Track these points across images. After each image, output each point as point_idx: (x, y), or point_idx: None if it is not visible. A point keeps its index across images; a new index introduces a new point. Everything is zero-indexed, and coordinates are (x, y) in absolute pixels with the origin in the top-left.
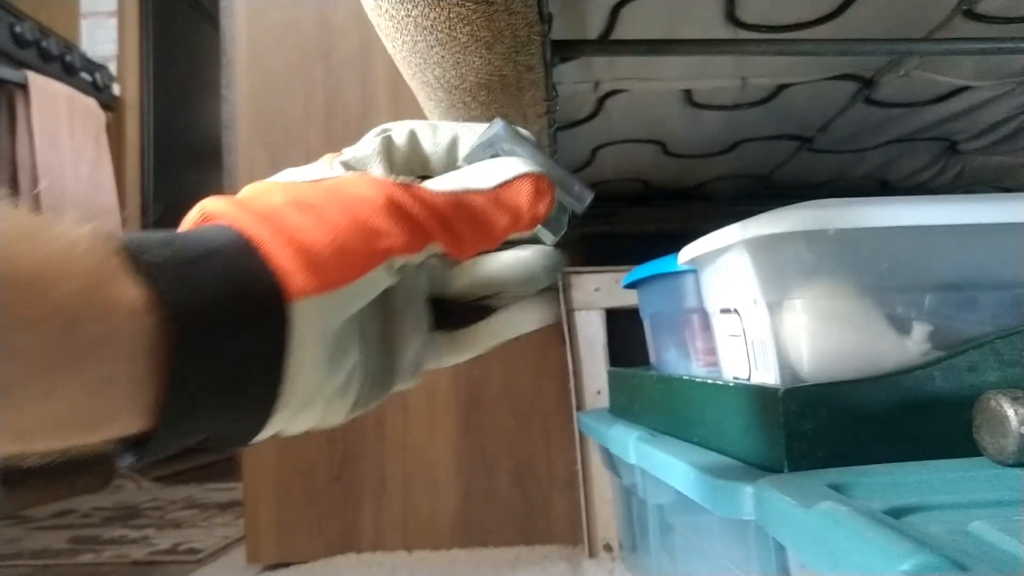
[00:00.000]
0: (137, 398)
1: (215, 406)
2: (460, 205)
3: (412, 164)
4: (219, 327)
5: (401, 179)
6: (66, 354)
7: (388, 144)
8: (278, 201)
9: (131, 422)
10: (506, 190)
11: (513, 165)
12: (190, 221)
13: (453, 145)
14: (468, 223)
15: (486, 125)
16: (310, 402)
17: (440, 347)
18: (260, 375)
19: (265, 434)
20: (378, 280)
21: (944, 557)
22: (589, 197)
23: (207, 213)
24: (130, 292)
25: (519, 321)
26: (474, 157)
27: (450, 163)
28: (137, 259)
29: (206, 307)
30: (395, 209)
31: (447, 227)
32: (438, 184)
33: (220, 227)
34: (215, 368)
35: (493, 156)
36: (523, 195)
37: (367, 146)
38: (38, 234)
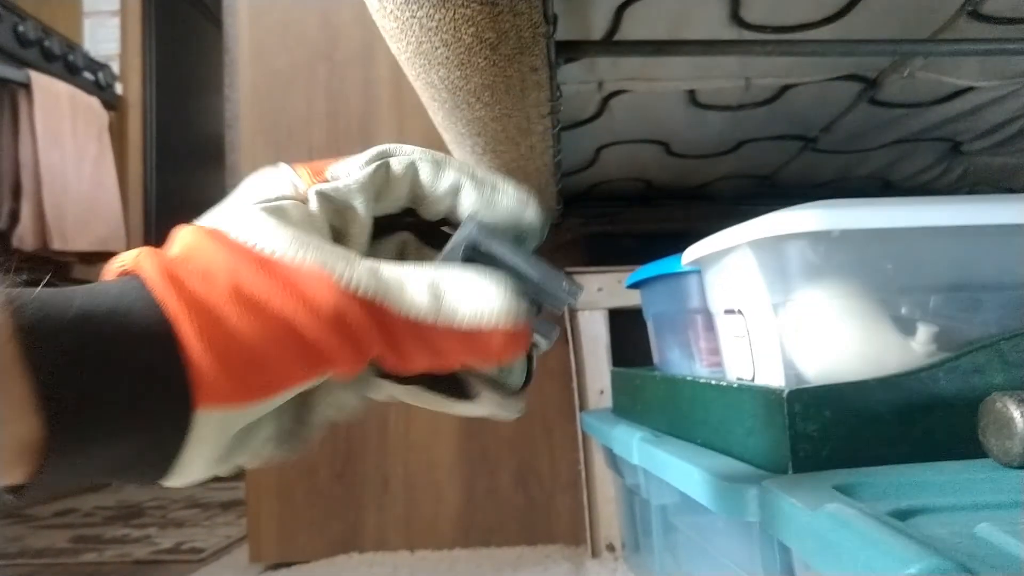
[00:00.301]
0: (16, 462)
1: (100, 474)
2: (421, 338)
3: (402, 198)
4: (113, 423)
5: (364, 291)
6: None
7: (382, 175)
8: (219, 285)
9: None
10: (477, 335)
11: (493, 304)
12: (115, 270)
13: (453, 194)
14: (424, 353)
15: (492, 180)
16: (205, 473)
17: (383, 389)
18: (148, 464)
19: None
20: (302, 389)
21: (952, 561)
22: (579, 292)
23: (137, 270)
24: (19, 387)
25: (478, 411)
26: (449, 258)
27: (445, 211)
28: (33, 349)
29: (102, 392)
30: (344, 329)
31: (399, 352)
32: (407, 288)
33: (145, 300)
34: (101, 457)
35: (468, 258)
36: (494, 343)
37: (355, 175)
38: None
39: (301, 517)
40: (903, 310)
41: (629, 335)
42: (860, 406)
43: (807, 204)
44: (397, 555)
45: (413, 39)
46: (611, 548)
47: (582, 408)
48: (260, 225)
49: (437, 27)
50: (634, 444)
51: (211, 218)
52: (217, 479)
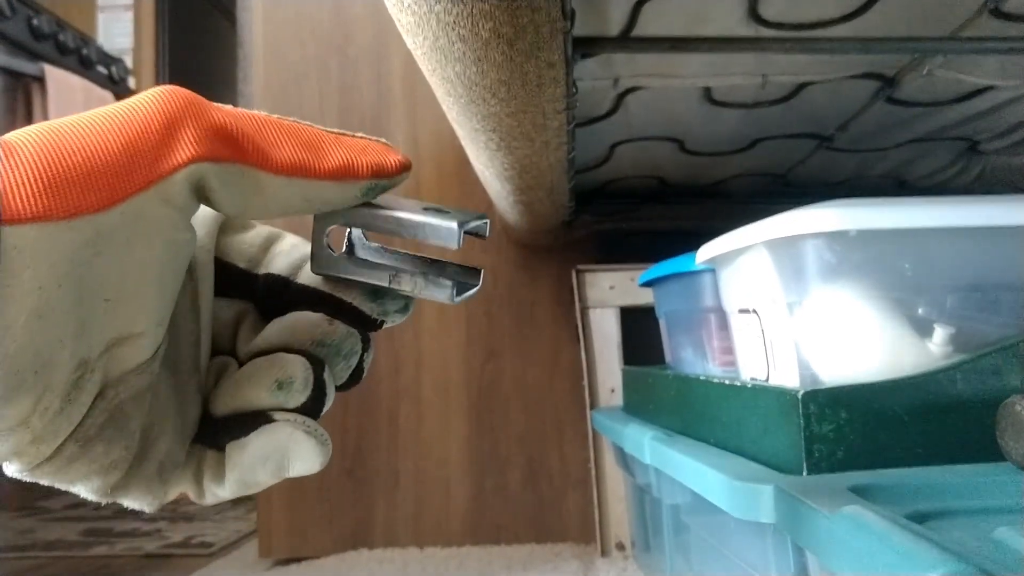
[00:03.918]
0: None
1: None
2: (284, 125)
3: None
4: None
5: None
6: None
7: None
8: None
9: None
10: (349, 137)
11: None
12: None
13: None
14: (291, 137)
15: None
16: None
17: (205, 467)
18: None
19: None
20: (148, 212)
21: (973, 565)
22: (485, 222)
23: None
24: None
25: (284, 448)
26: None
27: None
28: None
29: None
30: (180, 112)
31: (260, 135)
32: None
33: None
34: None
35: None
36: (371, 144)
37: None
38: None
39: (311, 512)
40: (920, 310)
41: (641, 333)
42: (876, 407)
43: (824, 203)
44: (406, 551)
45: (430, 34)
46: (621, 547)
47: (593, 406)
48: None
49: (455, 22)
50: (646, 443)
51: None
52: None
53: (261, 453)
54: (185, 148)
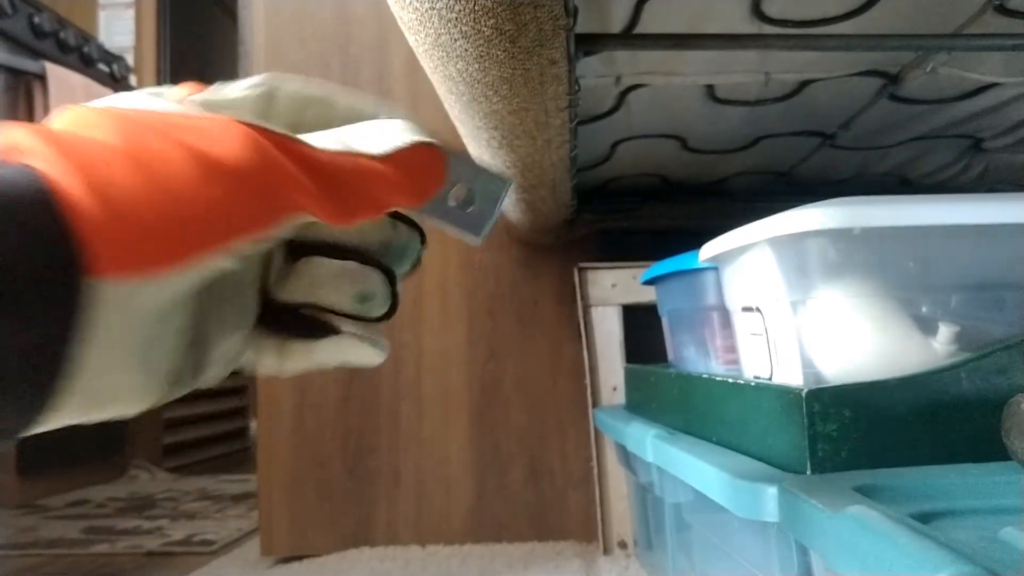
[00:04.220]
0: None
1: None
2: (345, 170)
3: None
4: None
5: (276, 128)
6: None
7: (267, 100)
8: (108, 142)
9: None
10: (397, 157)
11: (403, 128)
12: None
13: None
14: (352, 190)
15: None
16: (102, 402)
17: (264, 351)
18: (33, 366)
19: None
20: (217, 262)
21: (979, 566)
22: (509, 181)
23: (9, 145)
24: None
25: (347, 353)
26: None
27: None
28: None
29: None
30: (264, 174)
31: (327, 194)
32: (315, 141)
33: (17, 168)
34: None
35: None
36: (416, 165)
37: (237, 91)
38: None
39: (312, 511)
40: (924, 309)
41: (643, 331)
42: (880, 406)
43: (827, 201)
44: (408, 550)
45: (432, 31)
46: (623, 545)
47: (595, 404)
48: (143, 102)
49: (457, 19)
50: (648, 442)
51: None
52: (230, 471)
53: (327, 355)
54: (278, 204)
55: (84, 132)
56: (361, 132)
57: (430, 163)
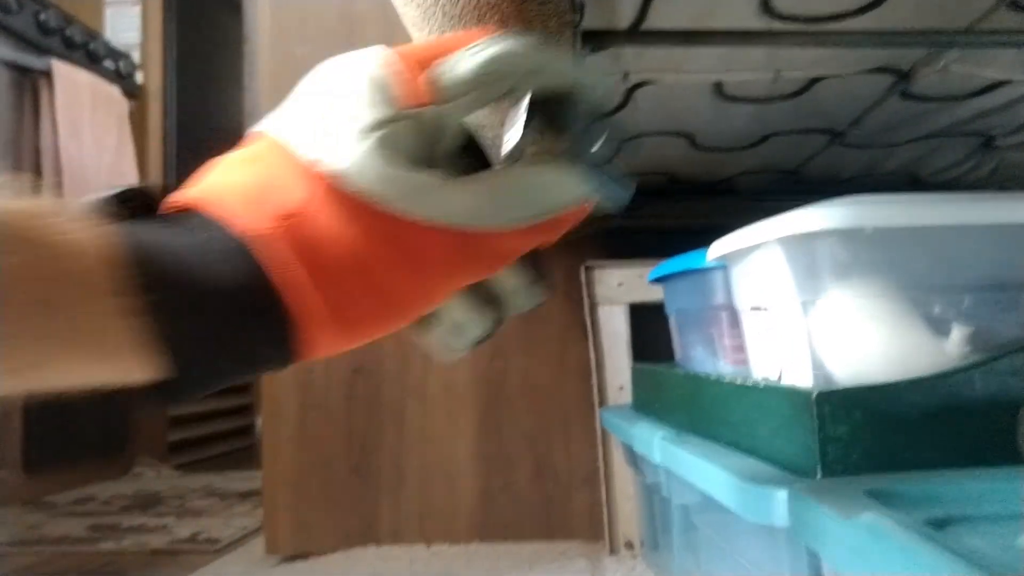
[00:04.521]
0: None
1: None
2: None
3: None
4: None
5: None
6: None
7: (489, 93)
8: (338, 255)
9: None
10: (545, 223)
11: (568, 188)
12: (187, 199)
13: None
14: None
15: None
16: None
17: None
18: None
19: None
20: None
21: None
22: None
23: (214, 206)
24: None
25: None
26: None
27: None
28: (140, 295)
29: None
30: (456, 265)
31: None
32: (484, 194)
33: (241, 250)
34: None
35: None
36: (561, 227)
37: (463, 101)
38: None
39: (317, 509)
40: (936, 310)
41: (650, 330)
42: (891, 409)
43: (838, 200)
44: (413, 549)
45: (436, 27)
46: (629, 546)
47: (601, 404)
48: (374, 171)
49: (460, 14)
50: (655, 443)
51: (309, 138)
52: (235, 468)
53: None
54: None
55: (312, 224)
56: (527, 186)
57: (577, 218)
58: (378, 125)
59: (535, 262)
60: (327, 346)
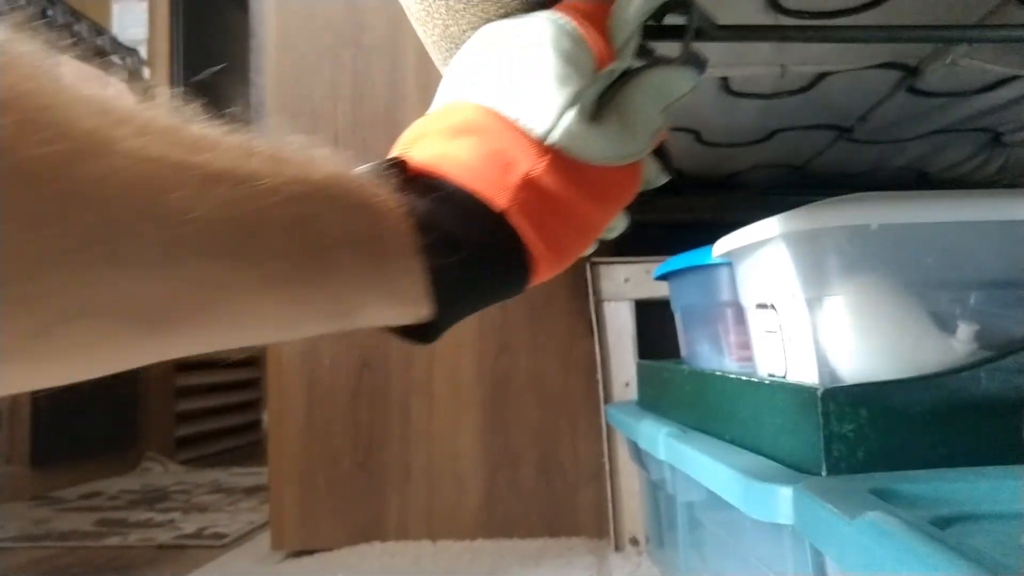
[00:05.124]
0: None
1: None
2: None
3: None
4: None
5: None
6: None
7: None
8: (559, 211)
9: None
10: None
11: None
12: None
13: None
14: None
15: None
16: None
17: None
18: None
19: None
20: None
21: None
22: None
23: (460, 177)
24: (415, 280)
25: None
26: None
27: None
28: (426, 256)
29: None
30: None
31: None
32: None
33: (491, 216)
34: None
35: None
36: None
37: (628, 50)
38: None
39: (323, 505)
40: (943, 307)
41: (656, 327)
42: (898, 406)
43: (844, 197)
44: (419, 545)
45: (440, 22)
46: (635, 542)
47: (607, 400)
48: (577, 134)
49: (464, 9)
50: (660, 439)
51: (522, 109)
52: (242, 463)
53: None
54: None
55: (548, 192)
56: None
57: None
58: (578, 96)
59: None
60: (544, 276)
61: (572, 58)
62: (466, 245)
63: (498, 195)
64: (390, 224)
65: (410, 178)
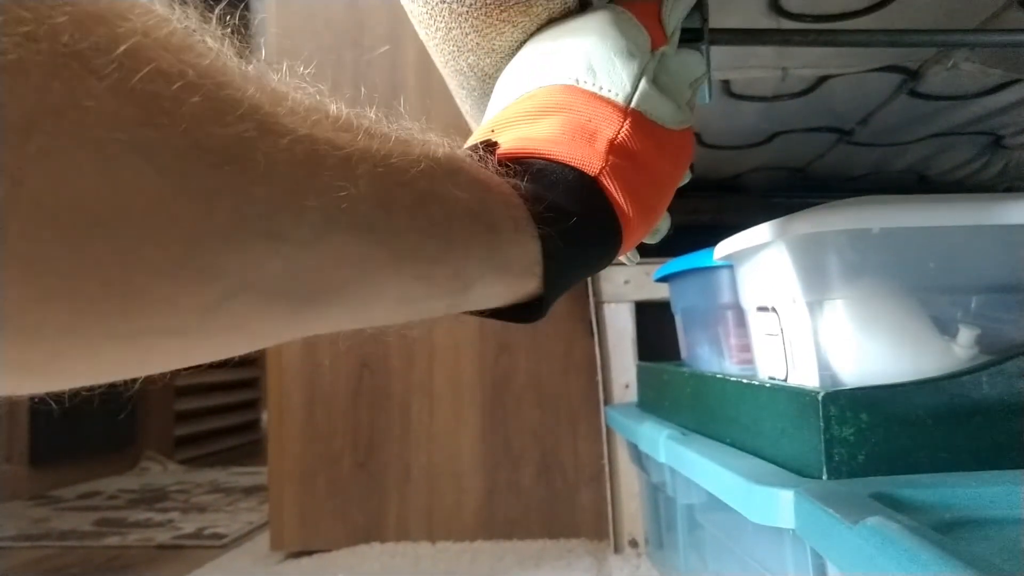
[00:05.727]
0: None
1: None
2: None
3: None
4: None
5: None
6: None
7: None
8: (641, 172)
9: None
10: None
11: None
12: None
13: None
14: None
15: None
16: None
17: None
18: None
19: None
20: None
21: None
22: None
23: (553, 154)
24: (533, 257)
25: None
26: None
27: None
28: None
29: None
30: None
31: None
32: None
33: (587, 185)
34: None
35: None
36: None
37: (675, 37)
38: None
39: (323, 506)
40: (944, 311)
41: (656, 329)
42: (898, 410)
43: (845, 200)
44: (418, 546)
45: (442, 25)
46: (634, 544)
47: (607, 402)
48: (651, 100)
49: (468, 12)
50: (661, 442)
51: (602, 81)
52: (241, 463)
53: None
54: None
55: (632, 156)
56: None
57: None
58: (644, 68)
59: None
60: (631, 240)
61: (635, 38)
62: (570, 212)
63: (589, 161)
64: (502, 197)
65: (504, 159)
